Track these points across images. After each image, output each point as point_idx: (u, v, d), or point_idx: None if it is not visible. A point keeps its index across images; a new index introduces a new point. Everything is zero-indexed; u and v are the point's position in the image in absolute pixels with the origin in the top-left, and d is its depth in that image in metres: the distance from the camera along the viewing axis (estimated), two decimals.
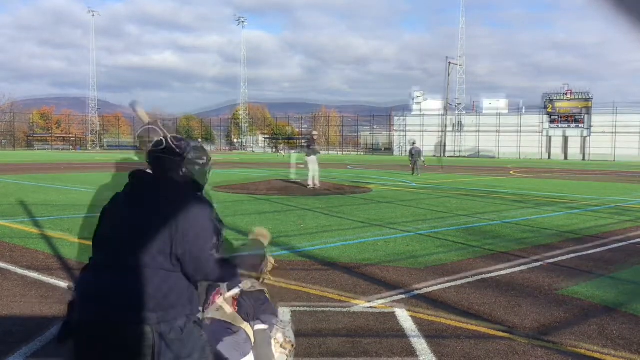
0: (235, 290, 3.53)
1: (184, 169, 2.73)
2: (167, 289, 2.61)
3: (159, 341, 2.52)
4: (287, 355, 3.45)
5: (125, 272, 2.64)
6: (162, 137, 2.69)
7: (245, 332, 3.37)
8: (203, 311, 3.37)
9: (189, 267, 2.61)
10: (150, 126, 2.83)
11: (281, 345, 3.42)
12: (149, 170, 2.76)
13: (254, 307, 3.50)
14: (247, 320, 3.43)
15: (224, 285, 3.54)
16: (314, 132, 21.40)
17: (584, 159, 63.21)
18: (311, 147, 18.38)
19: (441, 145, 69.78)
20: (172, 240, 2.58)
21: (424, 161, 27.73)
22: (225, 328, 3.28)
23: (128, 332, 2.53)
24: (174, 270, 2.65)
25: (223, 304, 3.43)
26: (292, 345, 3.49)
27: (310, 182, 17.74)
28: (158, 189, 2.69)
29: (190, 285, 2.70)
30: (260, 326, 3.43)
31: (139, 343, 2.52)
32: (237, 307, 3.46)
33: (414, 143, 28.92)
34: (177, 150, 2.71)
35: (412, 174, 26.37)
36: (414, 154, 27.05)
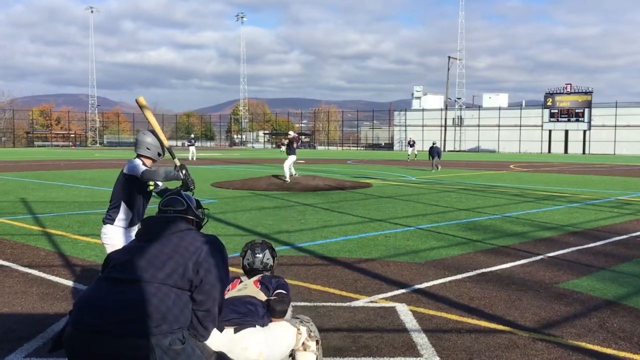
0: (258, 276, 3.76)
1: (193, 223, 3.25)
2: (170, 303, 2.71)
3: (158, 353, 2.56)
4: (315, 353, 3.52)
5: (130, 286, 2.72)
6: (182, 200, 3.25)
7: (263, 304, 3.52)
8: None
9: (199, 313, 2.90)
10: (174, 196, 3.31)
11: (304, 343, 3.50)
12: (161, 217, 3.18)
13: (273, 283, 3.68)
14: (269, 296, 3.58)
15: (244, 277, 3.87)
16: (292, 133, 21.39)
17: (584, 154, 63.11)
18: (294, 146, 18.97)
19: (442, 141, 69.73)
20: (191, 270, 2.83)
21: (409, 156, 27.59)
22: (246, 301, 3.45)
23: (127, 344, 2.57)
24: (181, 288, 2.81)
25: (249, 283, 3.67)
26: (317, 341, 3.58)
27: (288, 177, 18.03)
28: (175, 228, 3.04)
29: (189, 301, 2.85)
30: (280, 290, 3.61)
31: (138, 355, 2.56)
32: (259, 286, 3.65)
33: (434, 143, 30.47)
34: (195, 212, 3.26)
35: (432, 169, 27.83)
36: (433, 152, 28.41)
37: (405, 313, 5.04)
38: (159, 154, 4.76)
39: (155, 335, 2.58)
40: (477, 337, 4.50)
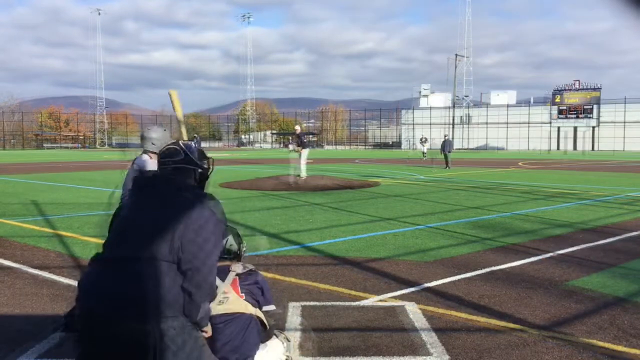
0: (232, 276, 3.40)
1: (195, 176, 3.07)
2: (169, 286, 2.60)
3: (160, 339, 2.52)
4: (281, 342, 3.64)
5: (128, 266, 2.63)
6: (180, 149, 3.01)
7: (258, 320, 3.41)
8: None
9: (188, 280, 2.63)
10: (172, 146, 3.08)
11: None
12: (155, 173, 3.01)
13: (256, 291, 3.49)
14: (256, 306, 3.47)
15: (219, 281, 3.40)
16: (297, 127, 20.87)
17: (593, 150, 62.73)
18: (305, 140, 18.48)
19: (451, 139, 69.57)
20: (178, 238, 2.63)
21: (425, 154, 27.21)
22: (238, 329, 3.26)
23: (130, 329, 2.53)
24: (174, 262, 2.66)
25: (230, 293, 3.35)
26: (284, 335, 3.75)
27: (303, 175, 17.64)
28: (171, 189, 2.85)
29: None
30: (268, 307, 3.55)
31: (140, 340, 2.53)
32: (242, 295, 3.39)
33: (445, 135, 28.62)
34: (195, 161, 3.04)
35: (445, 167, 26.39)
36: (445, 146, 26.94)
37: (414, 312, 5.03)
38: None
39: (155, 318, 2.52)
40: (487, 335, 4.48)
